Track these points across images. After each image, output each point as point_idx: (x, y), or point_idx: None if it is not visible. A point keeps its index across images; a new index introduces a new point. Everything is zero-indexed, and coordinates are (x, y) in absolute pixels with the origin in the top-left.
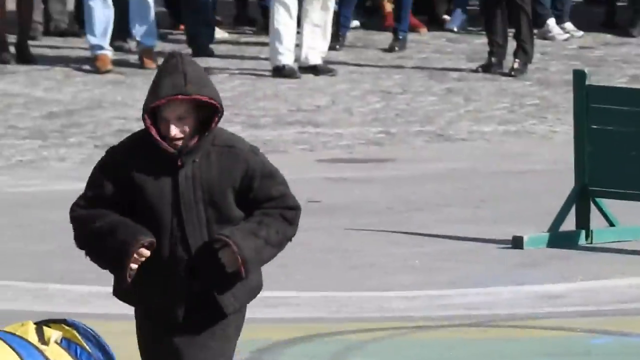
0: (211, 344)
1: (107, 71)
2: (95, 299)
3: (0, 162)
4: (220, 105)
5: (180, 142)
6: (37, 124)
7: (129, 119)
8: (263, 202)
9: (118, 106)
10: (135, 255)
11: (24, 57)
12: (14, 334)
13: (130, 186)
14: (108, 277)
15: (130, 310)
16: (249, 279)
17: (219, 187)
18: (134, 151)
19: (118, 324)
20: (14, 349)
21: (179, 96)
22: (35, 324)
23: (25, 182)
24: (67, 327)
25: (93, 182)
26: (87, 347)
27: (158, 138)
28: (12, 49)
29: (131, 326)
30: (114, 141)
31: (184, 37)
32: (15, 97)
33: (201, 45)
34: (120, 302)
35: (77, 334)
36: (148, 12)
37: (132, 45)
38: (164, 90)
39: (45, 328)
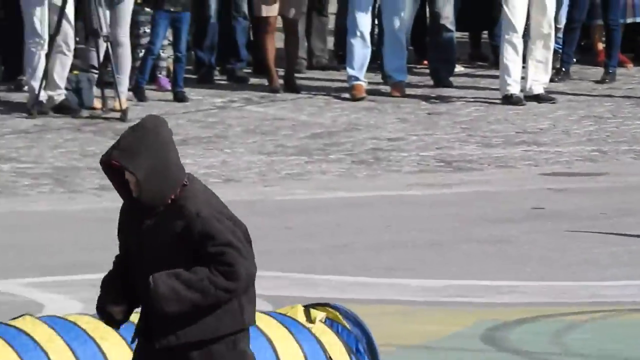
0: None
1: (362, 98)
2: (354, 287)
3: (272, 175)
4: (138, 176)
5: (135, 194)
6: (303, 143)
7: (380, 139)
8: (203, 258)
9: (371, 128)
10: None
11: (291, 87)
12: (285, 315)
13: (123, 235)
14: (368, 269)
15: (387, 295)
16: (204, 322)
17: (164, 239)
18: (126, 206)
19: (374, 307)
20: (286, 327)
21: (103, 159)
22: (303, 307)
23: (293, 192)
24: (330, 310)
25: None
26: (348, 326)
27: (121, 194)
28: (280, 81)
29: (386, 308)
30: (369, 158)
31: (426, 71)
32: (284, 120)
33: (442, 77)
34: (387, 291)
35: (339, 315)
36: (401, 51)
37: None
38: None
39: (312, 310)
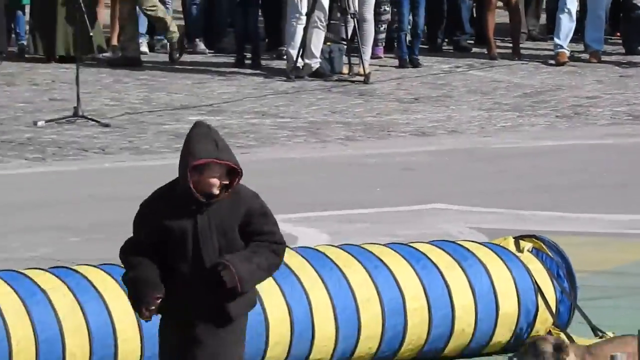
0: (223, 335)
1: (565, 64)
2: (556, 221)
3: (490, 127)
4: (241, 170)
5: (215, 195)
6: (516, 101)
7: (580, 97)
8: (257, 235)
9: (573, 89)
10: (144, 309)
11: (517, 54)
12: (499, 245)
13: (161, 229)
14: (568, 205)
15: (583, 228)
16: (247, 295)
17: (228, 223)
18: (161, 201)
19: (572, 238)
20: (499, 256)
21: (215, 160)
22: (514, 238)
23: (507, 141)
24: (536, 240)
25: (134, 230)
26: (550, 254)
27: (196, 194)
28: (498, 50)
29: (581, 239)
30: (570, 113)
31: (619, 41)
32: (500, 82)
33: (632, 47)
34: (583, 224)
35: (543, 245)
36: (600, 25)
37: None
38: (201, 153)
39: (520, 241)
